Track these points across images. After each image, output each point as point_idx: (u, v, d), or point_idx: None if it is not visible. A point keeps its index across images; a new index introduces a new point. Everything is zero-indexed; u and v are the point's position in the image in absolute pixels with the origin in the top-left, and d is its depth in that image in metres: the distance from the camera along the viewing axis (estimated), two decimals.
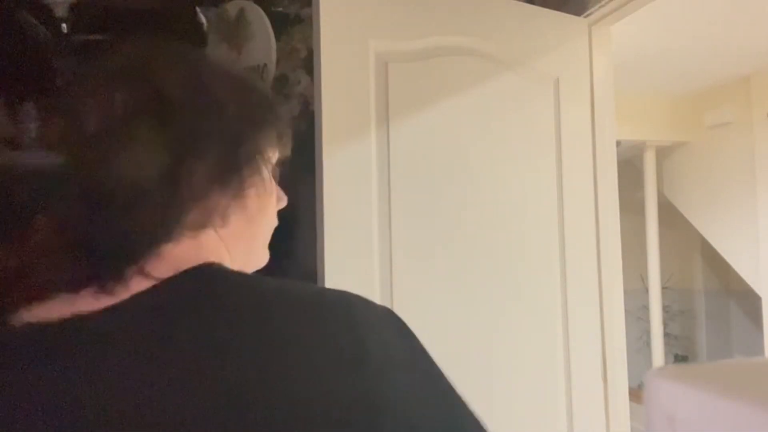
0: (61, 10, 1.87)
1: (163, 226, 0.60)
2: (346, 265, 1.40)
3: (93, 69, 0.70)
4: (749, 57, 3.47)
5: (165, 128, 0.61)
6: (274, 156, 0.72)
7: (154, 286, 0.56)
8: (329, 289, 0.61)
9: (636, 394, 1.95)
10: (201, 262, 0.60)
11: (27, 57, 1.88)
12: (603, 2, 1.72)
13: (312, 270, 1.42)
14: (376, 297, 1.43)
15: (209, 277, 0.58)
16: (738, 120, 3.91)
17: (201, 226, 0.62)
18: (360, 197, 1.44)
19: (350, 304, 0.57)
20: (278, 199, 0.77)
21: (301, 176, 1.97)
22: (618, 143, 2.04)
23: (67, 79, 1.81)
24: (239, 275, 0.61)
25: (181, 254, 0.60)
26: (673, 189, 4.48)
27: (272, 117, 0.71)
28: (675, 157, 4.43)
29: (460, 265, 1.56)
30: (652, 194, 4.37)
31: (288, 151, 0.76)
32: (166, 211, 0.60)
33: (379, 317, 0.57)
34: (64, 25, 1.89)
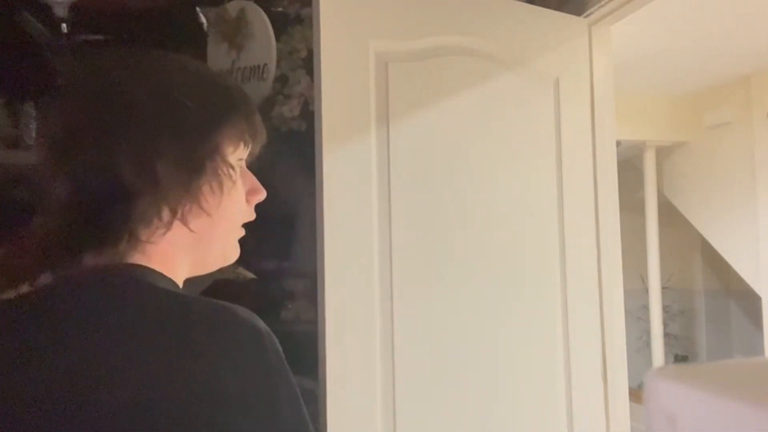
0: (61, 10, 1.87)
1: (116, 221, 0.64)
2: (346, 265, 1.40)
3: (72, 74, 0.74)
4: (749, 57, 3.46)
5: (123, 128, 0.65)
6: (239, 151, 0.74)
7: (69, 276, 0.66)
8: (205, 304, 0.65)
9: (636, 394, 1.95)
10: (134, 260, 0.66)
11: (27, 57, 1.88)
12: (603, 2, 1.72)
13: (312, 270, 1.42)
14: (376, 297, 1.43)
15: (119, 280, 0.65)
16: (738, 120, 3.90)
17: (149, 221, 0.66)
18: (360, 197, 1.44)
19: (211, 316, 0.63)
20: (254, 193, 0.78)
21: (301, 176, 1.98)
22: (618, 143, 2.04)
23: (67, 79, 1.81)
24: (145, 285, 0.65)
25: (120, 252, 0.66)
26: (673, 189, 4.48)
27: (236, 114, 0.72)
28: (675, 157, 4.43)
29: (459, 264, 1.56)
30: (652, 194, 4.37)
31: (259, 146, 0.77)
32: (122, 208, 0.64)
33: (235, 339, 0.62)
34: (64, 25, 1.89)
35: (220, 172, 0.69)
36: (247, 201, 0.77)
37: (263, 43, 1.79)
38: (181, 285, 0.72)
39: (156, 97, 0.67)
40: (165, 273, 0.68)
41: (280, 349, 0.64)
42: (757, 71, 3.72)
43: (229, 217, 0.74)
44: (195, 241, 0.70)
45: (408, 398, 1.44)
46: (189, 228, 0.68)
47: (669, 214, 4.50)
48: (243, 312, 0.63)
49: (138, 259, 0.67)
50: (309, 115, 1.70)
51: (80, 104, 0.69)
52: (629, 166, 4.49)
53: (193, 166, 0.67)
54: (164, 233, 0.67)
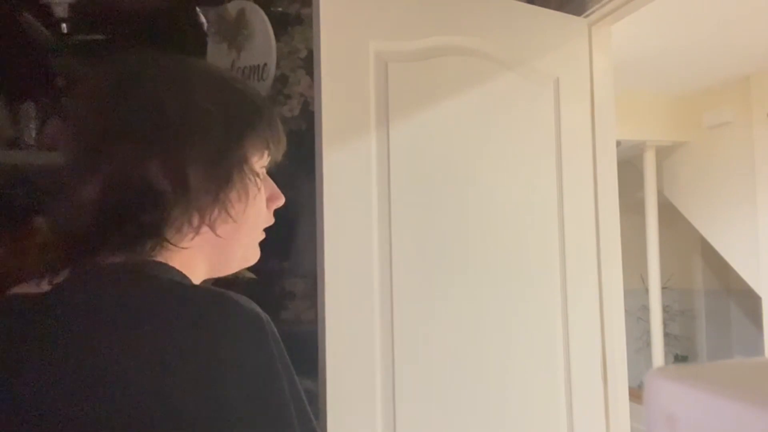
0: (61, 10, 1.87)
1: (146, 226, 0.66)
2: (346, 265, 1.40)
3: (85, 77, 0.75)
4: (749, 57, 3.47)
5: (153, 135, 0.66)
6: (263, 159, 0.76)
7: (82, 272, 0.67)
8: (208, 293, 0.66)
9: (636, 394, 1.95)
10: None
11: (27, 57, 1.88)
12: (603, 2, 1.72)
13: (312, 270, 1.42)
14: (376, 297, 1.43)
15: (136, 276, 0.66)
16: (737, 120, 3.91)
17: (179, 227, 0.67)
18: (360, 197, 1.44)
19: (212, 308, 0.63)
20: (274, 199, 0.80)
21: (301, 176, 1.98)
22: (618, 143, 2.04)
23: (67, 79, 1.81)
24: (152, 277, 0.66)
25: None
26: (673, 189, 4.48)
27: (260, 122, 0.74)
28: (675, 157, 4.43)
29: (459, 265, 1.56)
30: (652, 194, 4.37)
31: (281, 153, 0.79)
32: (154, 214, 0.65)
33: (237, 326, 0.62)
34: (64, 25, 1.89)
35: (247, 180, 0.72)
36: (267, 207, 0.80)
37: (263, 43, 1.79)
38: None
39: (184, 103, 0.69)
40: (184, 273, 0.70)
41: (280, 338, 0.65)
42: (757, 71, 3.72)
43: (252, 223, 0.76)
44: (219, 245, 0.72)
45: (408, 398, 1.44)
46: (216, 234, 0.70)
47: (669, 214, 4.50)
48: (245, 300, 0.64)
49: (160, 259, 0.68)
50: (309, 115, 1.70)
51: (110, 106, 0.69)
52: (629, 166, 4.49)
53: (222, 174, 0.69)
54: (192, 238, 0.69)
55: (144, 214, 0.65)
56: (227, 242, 0.73)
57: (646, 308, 4.48)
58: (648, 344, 4.43)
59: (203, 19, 1.98)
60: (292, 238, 2.32)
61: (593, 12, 1.77)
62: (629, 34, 2.66)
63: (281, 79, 1.83)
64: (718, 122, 4.03)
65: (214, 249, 0.73)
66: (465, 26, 1.61)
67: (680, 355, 5.01)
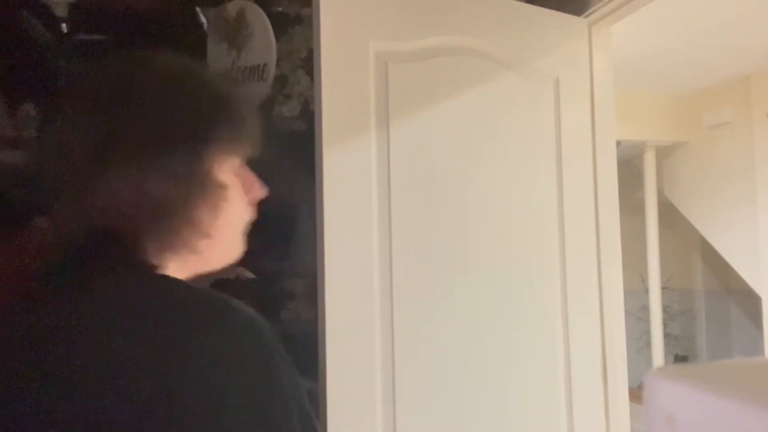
0: (61, 10, 1.87)
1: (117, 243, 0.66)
2: (346, 265, 1.40)
3: (75, 75, 0.74)
4: (749, 57, 3.47)
5: (111, 141, 0.66)
6: (235, 155, 0.75)
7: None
8: (210, 297, 0.67)
9: (636, 394, 1.95)
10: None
11: (27, 57, 1.88)
12: (603, 2, 1.72)
13: (312, 270, 1.42)
14: (376, 297, 1.43)
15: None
16: (738, 120, 3.91)
17: (155, 254, 0.67)
18: (360, 197, 1.44)
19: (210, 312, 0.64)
20: (254, 192, 0.79)
21: (301, 176, 1.98)
22: (618, 143, 2.04)
23: (67, 79, 1.81)
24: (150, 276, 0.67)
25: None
26: (673, 189, 4.48)
27: (227, 119, 0.73)
28: (675, 157, 4.43)
29: (459, 264, 1.56)
30: (652, 194, 4.37)
31: (257, 146, 0.78)
32: (120, 247, 0.66)
33: (234, 329, 0.64)
34: (64, 25, 1.89)
35: (212, 195, 0.71)
36: (248, 201, 0.78)
37: (263, 43, 1.79)
38: None
39: (149, 111, 0.68)
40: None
41: (279, 340, 0.65)
42: (757, 71, 3.72)
43: (228, 228, 0.75)
44: (195, 254, 0.72)
45: (408, 398, 1.44)
46: (196, 251, 0.70)
47: (669, 214, 4.50)
48: (240, 304, 0.65)
49: None
50: (309, 115, 1.70)
51: (78, 105, 0.69)
52: (629, 166, 4.49)
53: (186, 194, 0.68)
54: (173, 257, 0.69)
55: (112, 248, 0.66)
56: (203, 251, 0.72)
57: (646, 308, 4.48)
58: (648, 344, 4.43)
59: (203, 19, 1.98)
60: (292, 238, 2.32)
61: (593, 12, 1.76)
62: (629, 34, 2.66)
63: (281, 79, 1.83)
64: (718, 122, 4.03)
65: (190, 257, 0.72)
66: (465, 26, 1.61)
67: (680, 355, 5.01)
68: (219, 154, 0.72)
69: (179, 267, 0.71)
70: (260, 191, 0.79)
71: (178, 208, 0.68)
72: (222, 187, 0.72)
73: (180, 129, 0.69)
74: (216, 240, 0.72)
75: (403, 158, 1.49)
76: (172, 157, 0.68)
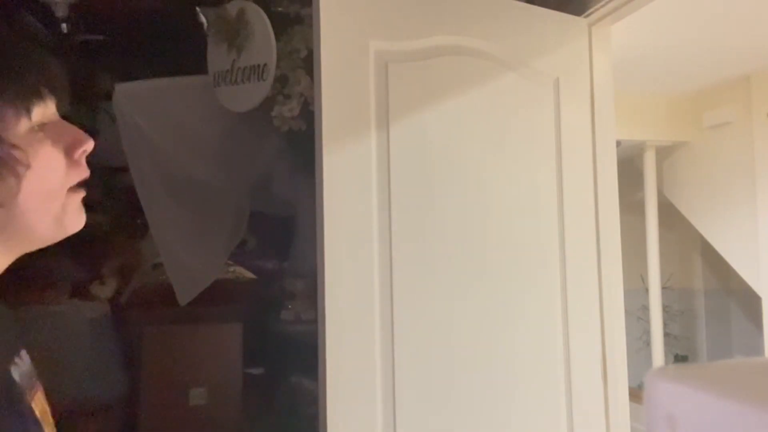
0: (61, 10, 1.87)
1: None
2: (346, 265, 1.40)
3: None
4: (749, 57, 3.46)
5: None
6: (26, 120, 0.65)
7: None
8: None
9: (636, 394, 1.95)
10: None
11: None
12: (603, 2, 1.72)
13: (312, 270, 1.42)
14: (376, 296, 1.43)
15: None
16: (738, 120, 3.90)
17: None
18: (360, 197, 1.44)
19: None
20: (76, 145, 0.69)
21: (300, 176, 1.97)
22: (618, 143, 2.04)
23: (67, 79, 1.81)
24: None
25: None
26: (673, 189, 4.47)
27: (15, 71, 0.65)
28: (675, 157, 4.43)
29: (459, 264, 1.56)
30: (652, 194, 4.37)
31: (65, 97, 0.70)
32: None
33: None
34: (64, 25, 1.89)
35: (1, 160, 0.62)
36: (72, 157, 0.69)
37: (263, 43, 1.79)
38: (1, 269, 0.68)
39: None
40: None
41: None
42: (757, 71, 3.72)
43: (41, 193, 0.66)
44: (6, 225, 0.65)
45: (408, 398, 1.44)
46: None
47: (669, 214, 4.50)
48: None
49: None
50: (309, 115, 1.70)
51: None
52: (629, 166, 4.48)
53: None
54: None
55: None
56: (5, 224, 0.65)
57: (646, 308, 4.47)
58: (648, 344, 4.42)
59: (203, 19, 1.98)
60: (292, 238, 2.32)
61: (593, 12, 1.76)
62: (629, 34, 2.66)
63: (281, 79, 1.83)
64: (718, 122, 4.03)
65: (4, 231, 0.65)
66: (465, 26, 1.61)
67: (680, 355, 5.01)
68: (2, 112, 0.63)
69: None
70: (86, 144, 0.70)
71: None
72: (12, 147, 0.62)
73: None
74: (21, 209, 0.65)
75: (403, 158, 1.49)
76: None
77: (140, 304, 2.76)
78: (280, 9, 1.88)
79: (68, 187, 0.69)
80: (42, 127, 0.66)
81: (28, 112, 0.64)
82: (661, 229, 4.41)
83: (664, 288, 4.46)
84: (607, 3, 1.72)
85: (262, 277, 2.83)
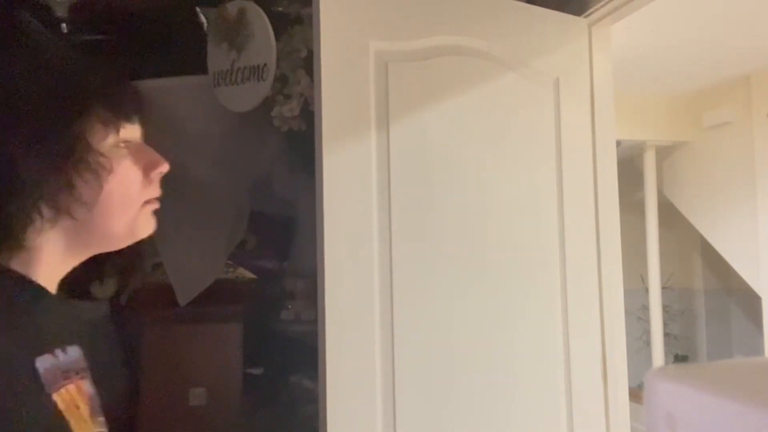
0: (61, 10, 1.87)
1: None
2: (346, 265, 1.40)
3: None
4: (749, 57, 3.46)
5: None
6: (112, 136, 0.75)
7: None
8: None
9: (636, 394, 1.95)
10: None
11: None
12: (603, 2, 1.72)
13: (312, 270, 1.42)
14: (376, 297, 1.43)
15: None
16: (738, 120, 3.90)
17: (31, 220, 0.68)
18: (360, 197, 1.44)
19: None
20: (152, 166, 0.79)
21: (300, 176, 1.97)
22: (618, 143, 2.04)
23: None
24: None
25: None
26: (673, 189, 4.47)
27: (96, 103, 0.73)
28: (675, 157, 4.43)
29: (459, 264, 1.56)
30: (652, 194, 4.37)
31: (144, 119, 0.79)
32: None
33: None
34: (64, 25, 1.89)
35: (89, 162, 0.71)
36: (147, 176, 0.79)
37: (263, 43, 1.79)
38: (66, 270, 0.76)
39: (5, 97, 0.69)
40: (45, 262, 0.72)
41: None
42: (757, 71, 3.72)
43: (116, 199, 0.75)
44: (77, 228, 0.73)
45: (408, 398, 1.44)
46: (73, 217, 0.71)
47: (669, 214, 4.50)
48: None
49: (22, 252, 0.69)
50: (309, 115, 1.70)
51: None
52: (629, 166, 4.49)
53: (57, 163, 0.69)
54: (51, 228, 0.71)
55: None
56: (86, 223, 0.73)
57: (646, 308, 4.47)
58: (648, 344, 4.42)
59: (203, 19, 1.98)
60: (292, 238, 2.32)
61: (593, 12, 1.76)
62: (629, 34, 2.66)
63: (281, 79, 1.83)
64: (718, 122, 4.02)
65: (72, 231, 0.73)
66: (465, 26, 1.61)
67: (680, 355, 5.01)
68: (91, 128, 0.73)
69: (66, 238, 0.72)
70: (161, 166, 0.80)
71: (52, 176, 0.68)
72: (99, 155, 0.72)
73: (44, 110, 0.70)
74: (101, 210, 0.73)
75: (403, 158, 1.49)
76: (40, 133, 0.69)
77: (140, 304, 2.76)
78: (280, 9, 1.88)
79: (143, 200, 0.79)
80: (126, 144, 0.76)
81: (117, 130, 0.75)
82: (661, 229, 4.41)
83: (664, 288, 4.46)
84: (607, 3, 1.72)
85: (262, 277, 2.83)
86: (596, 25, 1.80)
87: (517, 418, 1.59)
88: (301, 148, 1.81)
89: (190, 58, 2.00)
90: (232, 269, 2.87)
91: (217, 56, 1.92)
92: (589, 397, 1.69)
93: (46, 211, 0.69)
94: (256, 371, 2.77)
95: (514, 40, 1.68)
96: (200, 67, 1.98)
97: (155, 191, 0.81)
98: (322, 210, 1.38)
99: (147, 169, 0.79)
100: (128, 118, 0.77)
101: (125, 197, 0.76)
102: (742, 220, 3.89)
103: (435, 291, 1.52)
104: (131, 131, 0.78)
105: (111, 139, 0.75)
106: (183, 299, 2.30)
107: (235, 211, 2.31)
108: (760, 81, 3.75)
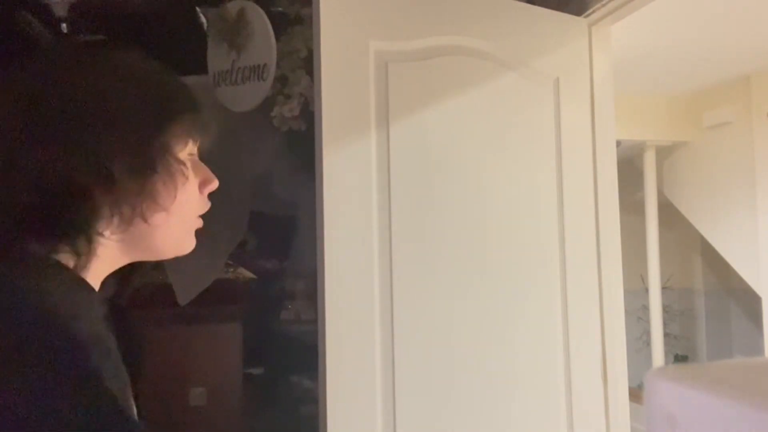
0: (61, 10, 1.88)
1: (75, 220, 0.67)
2: (346, 265, 1.40)
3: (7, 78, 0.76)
4: (749, 57, 3.46)
5: (72, 134, 0.68)
6: (188, 147, 0.77)
7: None
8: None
9: (636, 394, 1.95)
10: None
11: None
12: (603, 2, 1.72)
13: (312, 270, 1.42)
14: (376, 297, 1.43)
15: None
16: (738, 120, 3.90)
17: (109, 219, 0.69)
18: (360, 197, 1.44)
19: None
20: (206, 182, 0.81)
21: (301, 176, 1.97)
22: (618, 143, 2.04)
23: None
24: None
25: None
26: (673, 189, 4.47)
27: (181, 113, 0.76)
28: (675, 157, 4.43)
29: (459, 264, 1.56)
30: (652, 194, 4.37)
31: (209, 140, 0.81)
32: (81, 211, 0.68)
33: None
34: (64, 25, 1.89)
35: (172, 168, 0.73)
36: (200, 192, 0.80)
37: (263, 43, 1.79)
38: (107, 274, 0.76)
39: (101, 99, 0.71)
40: (99, 262, 0.72)
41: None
42: (757, 71, 3.72)
43: (184, 210, 0.77)
44: (147, 233, 0.74)
45: (408, 398, 1.44)
46: (147, 222, 0.72)
47: (669, 214, 4.50)
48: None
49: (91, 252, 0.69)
50: (309, 115, 1.70)
51: (25, 108, 0.70)
52: (629, 166, 4.49)
53: (145, 165, 0.71)
54: (126, 228, 0.71)
55: (70, 211, 0.67)
56: (156, 230, 0.74)
57: (646, 308, 4.47)
58: (648, 344, 4.42)
59: (203, 19, 1.98)
60: (292, 238, 2.32)
61: (593, 12, 1.76)
62: (629, 34, 2.66)
63: (281, 79, 1.83)
64: (718, 122, 4.02)
65: (141, 237, 0.74)
66: (465, 26, 1.61)
67: (680, 355, 5.01)
68: (176, 136, 0.75)
69: (123, 244, 0.73)
70: (213, 184, 0.81)
71: (137, 178, 0.70)
72: (181, 163, 0.74)
73: (139, 112, 0.72)
74: (172, 219, 0.75)
75: (403, 158, 1.49)
76: (133, 135, 0.71)
77: (140, 304, 2.76)
78: (280, 9, 1.88)
79: (197, 215, 0.80)
80: (191, 157, 0.78)
81: (194, 142, 0.78)
82: (661, 229, 4.41)
83: (664, 288, 4.46)
84: (607, 3, 1.72)
85: (262, 277, 2.83)
86: (596, 25, 1.80)
87: (517, 417, 1.59)
88: (301, 148, 1.81)
89: (190, 58, 2.00)
90: (232, 269, 2.87)
91: (218, 56, 1.92)
92: (589, 397, 1.69)
93: (126, 211, 0.70)
94: (256, 371, 2.78)
95: (514, 40, 1.68)
96: (200, 67, 1.98)
97: (205, 207, 0.82)
98: (322, 210, 1.38)
99: (201, 185, 0.80)
100: (200, 133, 0.79)
101: (186, 208, 0.78)
102: (742, 220, 3.89)
103: (435, 291, 1.52)
104: (194, 148, 0.80)
105: (186, 150, 0.77)
106: (183, 299, 2.30)
107: (235, 211, 2.31)
108: (760, 81, 3.75)
